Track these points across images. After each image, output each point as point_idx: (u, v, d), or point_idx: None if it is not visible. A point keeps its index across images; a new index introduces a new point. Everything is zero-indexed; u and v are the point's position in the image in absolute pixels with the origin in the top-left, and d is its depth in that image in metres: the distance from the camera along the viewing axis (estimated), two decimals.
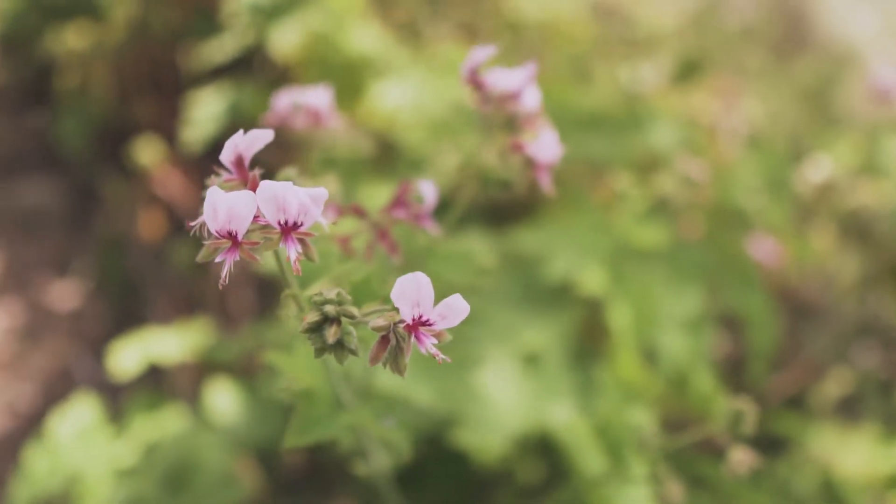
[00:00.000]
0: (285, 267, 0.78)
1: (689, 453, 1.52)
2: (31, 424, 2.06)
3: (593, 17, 2.52)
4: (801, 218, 1.98)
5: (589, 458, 1.23)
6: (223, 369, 1.98)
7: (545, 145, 1.06)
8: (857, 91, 2.48)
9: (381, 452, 1.26)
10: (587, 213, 1.71)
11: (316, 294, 0.74)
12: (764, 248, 1.99)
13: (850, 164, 2.05)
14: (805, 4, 2.92)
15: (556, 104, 1.84)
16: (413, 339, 0.72)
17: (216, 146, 0.79)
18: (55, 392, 2.15)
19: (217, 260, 0.71)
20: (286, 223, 0.71)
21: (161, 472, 1.66)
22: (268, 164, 0.88)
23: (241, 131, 0.76)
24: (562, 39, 2.31)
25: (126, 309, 2.35)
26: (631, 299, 1.63)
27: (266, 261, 0.85)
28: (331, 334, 0.72)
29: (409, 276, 0.68)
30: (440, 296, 0.70)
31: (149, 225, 2.43)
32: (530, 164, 1.07)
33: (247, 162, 0.79)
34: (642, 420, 1.34)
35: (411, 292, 0.69)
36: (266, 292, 2.28)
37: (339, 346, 0.74)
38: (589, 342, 1.74)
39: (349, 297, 0.74)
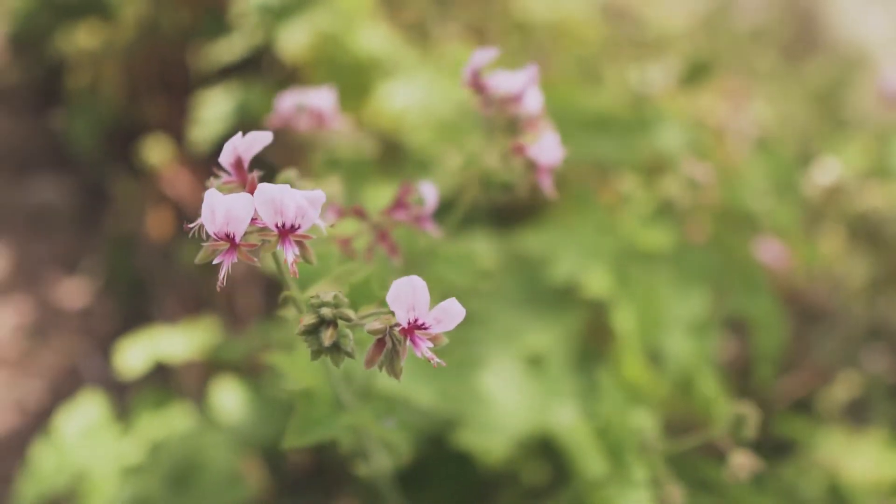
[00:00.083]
0: (284, 269, 0.78)
1: (694, 456, 1.51)
2: (38, 421, 2.07)
3: (603, 18, 2.51)
4: (809, 221, 1.96)
5: (590, 461, 1.23)
6: (230, 368, 1.98)
7: (547, 148, 1.05)
8: (868, 94, 2.47)
9: (382, 453, 1.26)
10: (592, 215, 1.71)
11: (313, 296, 0.74)
12: (771, 251, 1.98)
13: (859, 166, 2.04)
14: (816, 6, 2.90)
15: (562, 105, 1.84)
16: (409, 342, 0.72)
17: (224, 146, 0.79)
18: (63, 389, 2.16)
19: (215, 262, 0.72)
20: (284, 226, 0.71)
21: (167, 470, 1.67)
22: (272, 166, 0.89)
23: (239, 133, 0.77)
24: (571, 40, 2.31)
25: (134, 307, 2.36)
26: (636, 302, 1.63)
27: (266, 262, 0.85)
28: (327, 337, 0.72)
29: (404, 279, 0.68)
30: (442, 297, 0.70)
31: (157, 224, 2.44)
32: (532, 166, 1.07)
33: (246, 164, 0.79)
34: (644, 423, 1.34)
35: (406, 296, 0.69)
36: (273, 292, 2.28)
37: (336, 349, 0.74)
38: (593, 344, 1.74)
39: (346, 300, 0.74)
